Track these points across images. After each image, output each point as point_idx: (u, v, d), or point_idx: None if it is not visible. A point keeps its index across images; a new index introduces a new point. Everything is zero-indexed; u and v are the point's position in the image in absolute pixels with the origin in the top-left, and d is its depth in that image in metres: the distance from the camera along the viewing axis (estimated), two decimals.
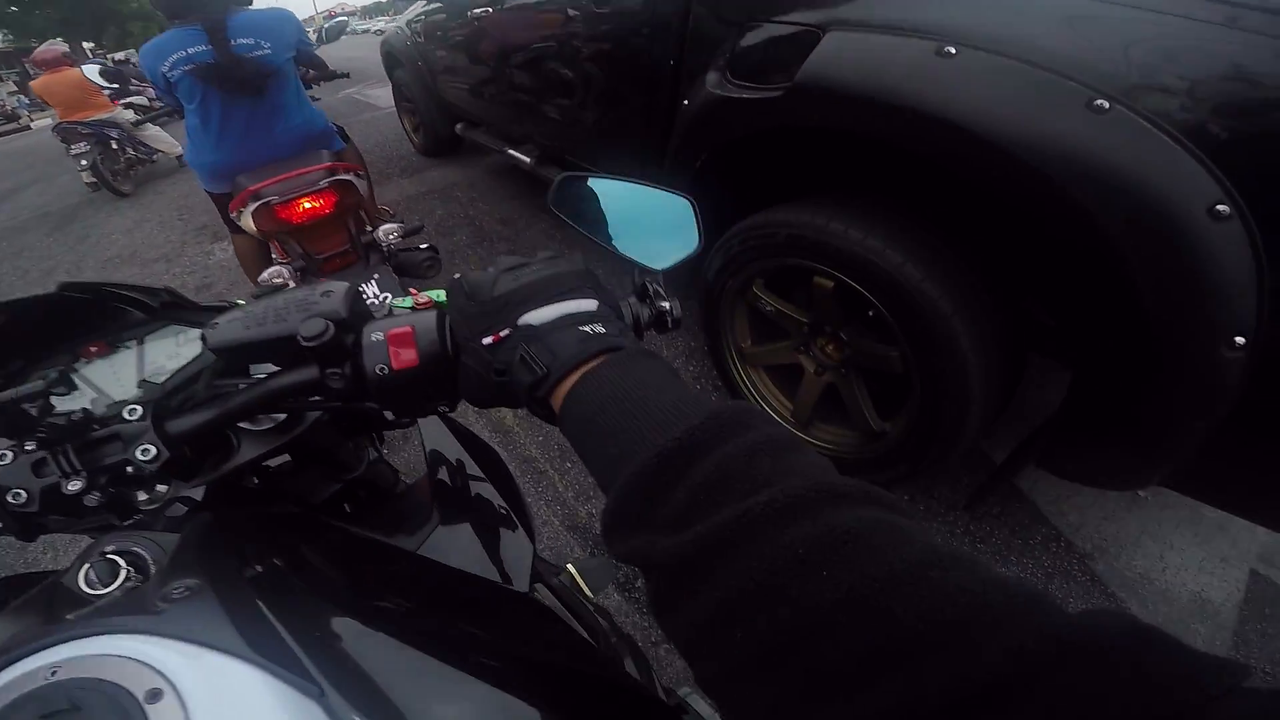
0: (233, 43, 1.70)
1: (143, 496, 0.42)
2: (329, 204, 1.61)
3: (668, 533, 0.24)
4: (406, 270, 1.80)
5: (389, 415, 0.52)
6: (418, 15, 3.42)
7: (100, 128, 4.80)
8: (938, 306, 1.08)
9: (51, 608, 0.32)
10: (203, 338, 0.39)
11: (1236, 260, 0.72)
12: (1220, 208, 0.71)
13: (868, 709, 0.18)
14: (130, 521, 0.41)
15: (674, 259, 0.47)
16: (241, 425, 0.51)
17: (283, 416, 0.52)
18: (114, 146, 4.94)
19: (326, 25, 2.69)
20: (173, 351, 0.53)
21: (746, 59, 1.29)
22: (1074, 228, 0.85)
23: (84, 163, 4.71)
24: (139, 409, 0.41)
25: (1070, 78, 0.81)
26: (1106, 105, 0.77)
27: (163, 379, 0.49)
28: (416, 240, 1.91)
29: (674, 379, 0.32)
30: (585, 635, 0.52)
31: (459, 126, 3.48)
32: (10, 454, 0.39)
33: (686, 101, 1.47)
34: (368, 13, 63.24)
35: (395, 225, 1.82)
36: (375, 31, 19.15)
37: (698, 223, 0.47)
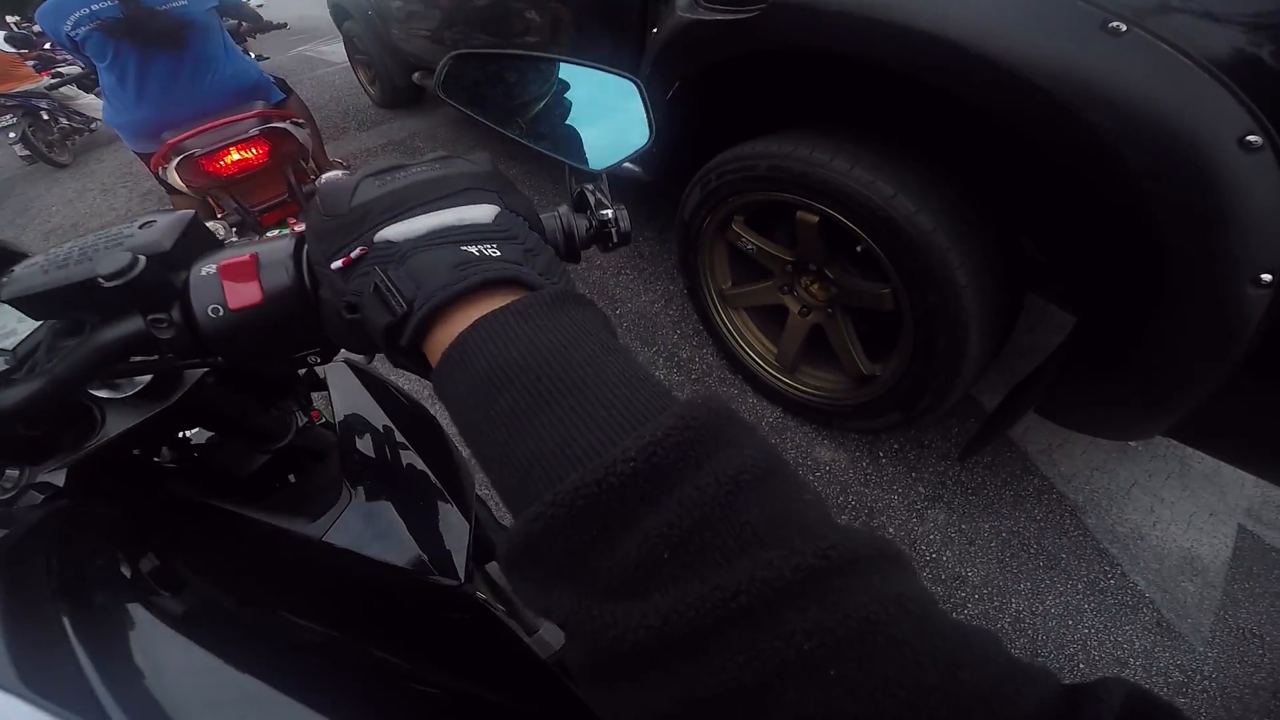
0: None
1: None
2: (263, 153, 1.49)
3: (610, 596, 0.17)
4: None
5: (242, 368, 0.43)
6: None
7: (27, 99, 4.64)
8: (932, 240, 1.01)
9: None
10: None
11: (1267, 193, 0.68)
12: (1251, 138, 0.67)
13: None
14: None
15: (618, 156, 0.37)
16: (100, 395, 0.42)
17: (147, 380, 0.43)
18: (45, 118, 4.79)
19: None
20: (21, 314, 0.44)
21: None
22: (1087, 159, 0.78)
23: (13, 135, 4.57)
24: None
25: None
26: (1124, 28, 0.71)
27: (14, 344, 0.40)
28: None
29: (612, 341, 0.23)
30: (523, 635, 0.44)
31: (416, 76, 3.29)
32: None
33: (655, 30, 1.35)
34: None
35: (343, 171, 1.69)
36: None
37: (646, 109, 0.37)
